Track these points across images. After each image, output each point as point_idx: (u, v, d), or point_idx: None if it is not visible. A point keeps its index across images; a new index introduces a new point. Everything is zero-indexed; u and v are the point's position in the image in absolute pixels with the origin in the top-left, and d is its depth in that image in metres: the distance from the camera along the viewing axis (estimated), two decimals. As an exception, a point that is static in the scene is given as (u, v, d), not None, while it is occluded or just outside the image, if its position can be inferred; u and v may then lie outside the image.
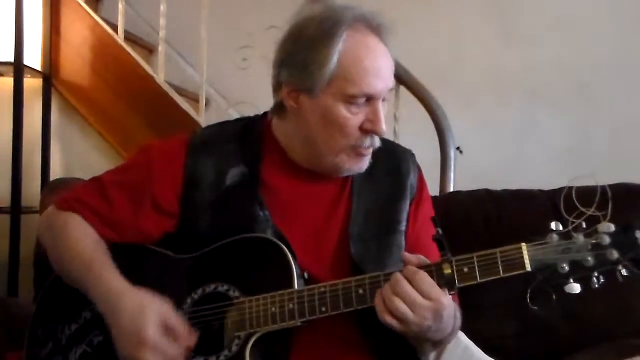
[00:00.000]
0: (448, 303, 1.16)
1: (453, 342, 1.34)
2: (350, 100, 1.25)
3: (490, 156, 3.10)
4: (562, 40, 3.12)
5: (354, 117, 1.26)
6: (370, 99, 1.26)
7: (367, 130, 1.27)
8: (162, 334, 1.18)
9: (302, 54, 1.27)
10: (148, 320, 1.18)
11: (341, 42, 1.24)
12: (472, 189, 1.96)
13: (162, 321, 1.19)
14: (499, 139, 3.18)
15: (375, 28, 1.28)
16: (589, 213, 1.12)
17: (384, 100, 1.29)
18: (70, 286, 1.33)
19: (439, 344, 1.26)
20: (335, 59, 1.24)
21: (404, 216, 1.38)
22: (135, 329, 1.18)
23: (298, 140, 1.34)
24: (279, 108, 1.35)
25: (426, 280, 1.14)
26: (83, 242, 1.32)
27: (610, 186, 1.69)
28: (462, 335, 1.40)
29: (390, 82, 1.29)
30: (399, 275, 1.15)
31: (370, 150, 1.31)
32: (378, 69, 1.25)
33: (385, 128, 1.27)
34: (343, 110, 1.26)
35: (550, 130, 3.13)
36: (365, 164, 1.32)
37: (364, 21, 1.27)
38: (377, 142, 1.30)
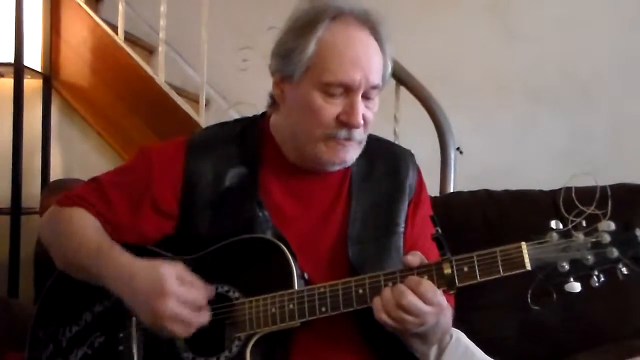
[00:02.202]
0: (446, 304, 1.17)
1: (453, 342, 1.34)
2: (326, 88, 1.25)
3: (490, 156, 3.10)
4: (562, 40, 3.12)
5: (330, 107, 1.25)
6: (348, 90, 1.25)
7: (342, 121, 1.26)
8: (179, 284, 1.19)
9: (288, 42, 1.28)
10: (164, 274, 1.18)
11: (321, 30, 1.25)
12: (472, 190, 1.96)
13: (177, 275, 1.20)
14: (499, 140, 3.18)
15: (365, 22, 1.27)
16: (589, 211, 1.11)
17: (369, 98, 1.28)
18: (76, 279, 1.33)
19: (425, 338, 1.24)
20: (313, 45, 1.25)
21: (402, 217, 1.37)
22: (153, 285, 1.18)
23: (286, 132, 1.34)
24: (272, 100, 1.36)
25: (430, 288, 1.14)
26: (88, 229, 1.33)
27: (610, 186, 1.69)
28: (462, 336, 1.40)
29: (373, 76, 1.26)
30: (402, 287, 1.14)
31: (352, 143, 1.29)
32: (356, 57, 1.24)
33: (361, 120, 1.26)
34: (319, 99, 1.25)
35: (550, 130, 3.13)
36: (347, 155, 1.30)
37: (352, 14, 1.27)
38: (357, 135, 1.28)
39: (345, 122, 1.26)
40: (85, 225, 1.33)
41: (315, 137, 1.28)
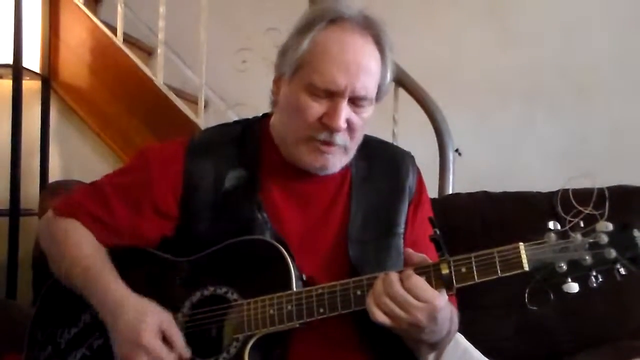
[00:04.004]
0: (443, 305, 1.16)
1: (452, 344, 1.34)
2: (311, 89, 1.25)
3: (488, 158, 3.11)
4: (560, 42, 3.13)
5: (315, 105, 1.25)
6: (332, 94, 1.25)
7: (324, 123, 1.26)
8: (159, 340, 1.19)
9: (287, 41, 1.29)
10: (146, 325, 1.19)
11: (316, 31, 1.25)
12: (470, 191, 1.96)
13: (160, 329, 1.20)
14: (498, 141, 3.18)
15: (365, 28, 1.27)
16: (586, 212, 1.11)
17: (358, 105, 1.27)
18: (70, 290, 1.33)
19: (435, 346, 1.25)
20: (306, 44, 1.25)
21: (402, 218, 1.37)
22: (133, 332, 1.19)
23: (280, 131, 1.35)
24: (273, 99, 1.37)
25: (419, 283, 1.14)
26: (82, 248, 1.32)
27: (608, 188, 1.70)
28: (460, 338, 1.40)
29: (360, 85, 1.25)
30: (393, 276, 1.15)
31: (333, 148, 1.28)
32: (345, 63, 1.24)
33: (342, 124, 1.25)
34: (305, 97, 1.26)
35: (548, 132, 3.14)
36: (328, 161, 1.29)
37: (352, 20, 1.27)
38: (339, 140, 1.28)
39: (327, 124, 1.25)
40: (78, 243, 1.33)
41: (298, 137, 1.28)
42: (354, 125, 1.28)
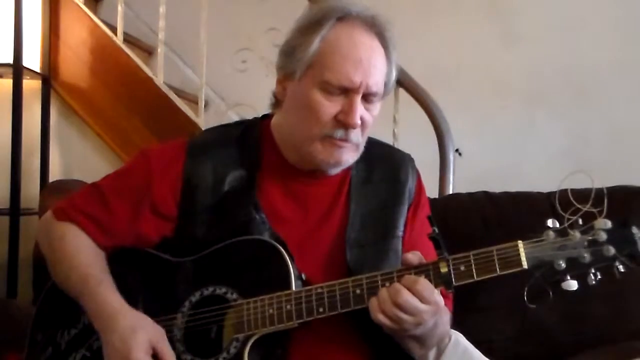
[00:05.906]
0: (443, 305, 1.18)
1: (452, 343, 1.34)
2: (325, 86, 1.25)
3: (489, 158, 3.11)
4: (561, 42, 3.12)
5: (329, 104, 1.25)
6: (347, 90, 1.25)
7: (340, 121, 1.26)
8: (148, 357, 1.18)
9: (293, 40, 1.29)
10: (137, 343, 1.18)
11: (326, 29, 1.26)
12: (470, 191, 1.96)
13: (151, 345, 1.19)
14: (498, 141, 3.18)
15: (371, 26, 1.27)
16: (585, 209, 1.12)
17: (369, 101, 1.28)
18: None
19: (421, 339, 1.24)
20: (316, 43, 1.25)
21: (401, 221, 1.37)
22: (124, 349, 1.18)
23: (285, 131, 1.35)
24: (275, 99, 1.36)
25: (426, 288, 1.14)
26: (79, 255, 1.32)
27: (608, 188, 1.69)
28: (461, 337, 1.39)
29: (373, 81, 1.26)
30: (398, 286, 1.15)
31: (348, 144, 1.29)
32: (358, 60, 1.24)
33: (358, 121, 1.25)
34: (319, 96, 1.26)
35: (548, 132, 3.14)
36: (342, 156, 1.30)
37: (359, 18, 1.27)
38: (354, 136, 1.28)
39: (343, 121, 1.26)
40: (76, 250, 1.32)
41: (312, 135, 1.28)
42: (366, 122, 1.29)
